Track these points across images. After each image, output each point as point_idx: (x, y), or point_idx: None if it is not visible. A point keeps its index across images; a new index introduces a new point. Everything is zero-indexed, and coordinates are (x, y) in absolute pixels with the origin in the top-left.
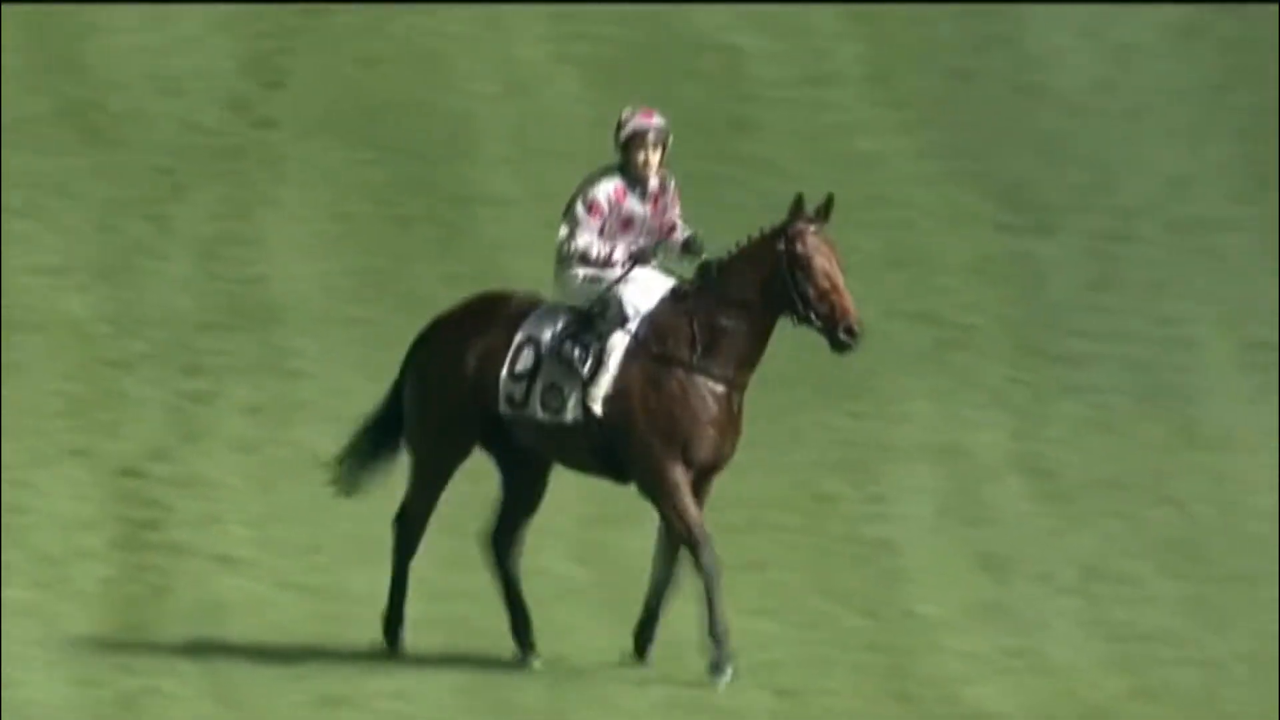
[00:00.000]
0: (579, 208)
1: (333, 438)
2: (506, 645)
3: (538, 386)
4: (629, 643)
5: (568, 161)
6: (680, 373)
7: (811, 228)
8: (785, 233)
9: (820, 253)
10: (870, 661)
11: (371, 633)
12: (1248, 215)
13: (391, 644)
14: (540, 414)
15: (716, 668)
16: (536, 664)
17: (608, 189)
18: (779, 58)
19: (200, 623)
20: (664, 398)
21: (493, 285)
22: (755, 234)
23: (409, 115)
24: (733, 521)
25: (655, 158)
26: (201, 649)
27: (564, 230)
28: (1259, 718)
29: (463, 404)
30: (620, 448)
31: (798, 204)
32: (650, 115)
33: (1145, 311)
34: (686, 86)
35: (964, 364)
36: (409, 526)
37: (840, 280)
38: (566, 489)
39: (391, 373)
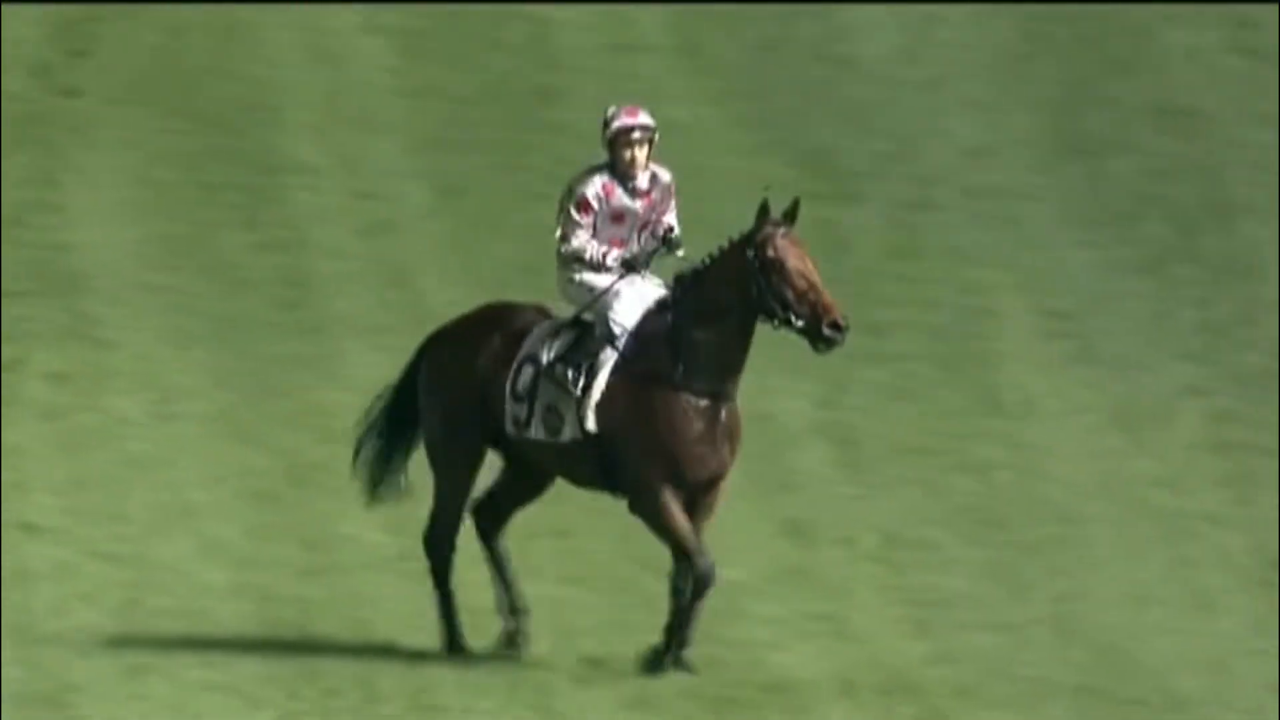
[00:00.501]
0: (571, 208)
1: (139, 405)
2: (314, 614)
3: (538, 408)
4: (432, 610)
5: (376, 130)
6: (663, 391)
7: (780, 230)
8: (753, 240)
9: (792, 254)
10: None
11: (176, 600)
12: (1046, 185)
13: (457, 650)
14: (543, 435)
15: (656, 664)
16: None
17: (595, 187)
18: (586, 26)
19: (5, 590)
20: (648, 418)
21: (299, 253)
22: (726, 242)
23: (216, 83)
24: None
25: (641, 154)
26: (7, 617)
27: (558, 232)
28: (1055, 681)
29: (472, 420)
30: (614, 464)
31: (763, 209)
32: (635, 114)
33: (946, 280)
34: (493, 55)
35: (769, 331)
36: (438, 543)
37: (816, 278)
38: None
39: (200, 339)
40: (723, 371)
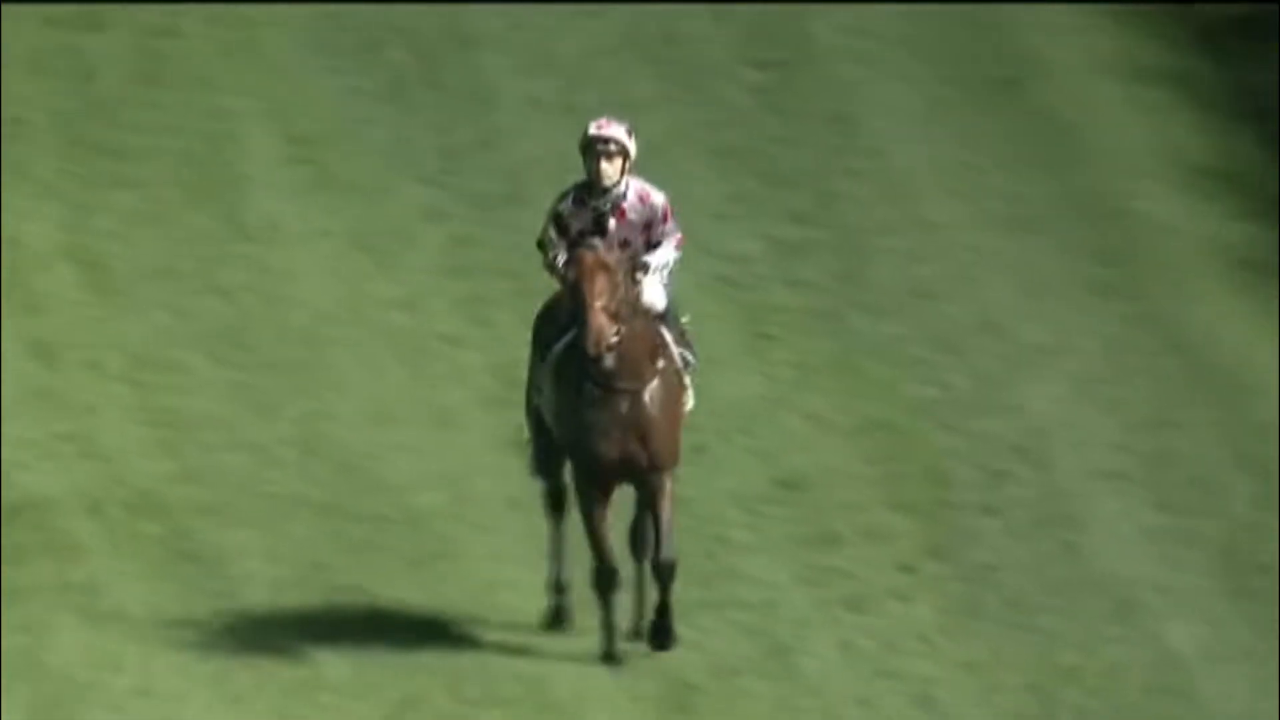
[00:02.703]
0: (549, 223)
1: None
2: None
3: (549, 379)
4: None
5: None
6: (577, 378)
7: (584, 247)
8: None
9: (578, 276)
10: None
11: None
12: (290, 14)
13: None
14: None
15: (610, 656)
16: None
17: (567, 202)
18: None
19: None
20: (566, 401)
21: None
22: None
23: None
24: None
25: (609, 167)
26: None
27: (540, 240)
28: (300, 498)
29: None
30: None
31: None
32: (604, 126)
33: (193, 105)
34: None
35: (15, 156)
36: (552, 496)
37: (588, 299)
38: None
39: None
40: (621, 367)
